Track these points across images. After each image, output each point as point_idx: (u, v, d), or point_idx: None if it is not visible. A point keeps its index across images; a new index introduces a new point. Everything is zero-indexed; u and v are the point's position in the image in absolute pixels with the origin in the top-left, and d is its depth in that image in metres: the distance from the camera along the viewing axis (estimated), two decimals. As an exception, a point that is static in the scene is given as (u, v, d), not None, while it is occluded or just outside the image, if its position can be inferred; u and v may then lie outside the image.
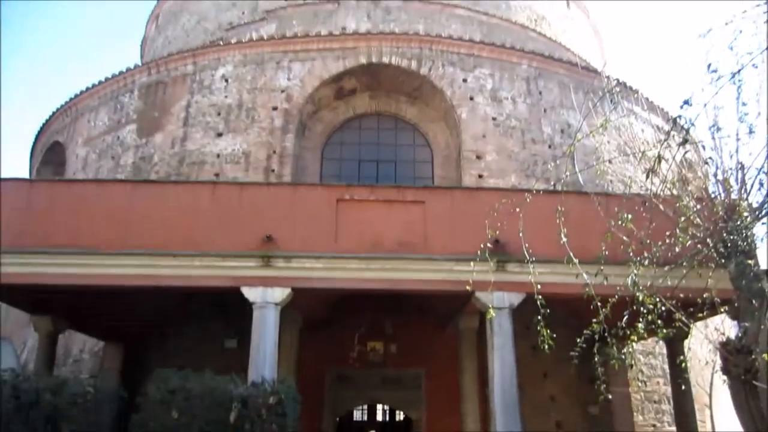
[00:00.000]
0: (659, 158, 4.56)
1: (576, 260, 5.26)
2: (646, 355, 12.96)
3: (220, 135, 13.92)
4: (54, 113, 17.95)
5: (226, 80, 14.37)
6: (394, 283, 8.65)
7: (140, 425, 5.84)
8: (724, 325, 6.31)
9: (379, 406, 18.86)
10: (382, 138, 14.93)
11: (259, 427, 5.82)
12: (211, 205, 8.77)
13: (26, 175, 19.86)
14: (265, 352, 8.08)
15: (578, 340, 5.18)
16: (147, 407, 5.90)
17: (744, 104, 5.11)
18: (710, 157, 4.91)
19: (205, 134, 14.00)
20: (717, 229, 5.02)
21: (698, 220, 5.14)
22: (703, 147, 5.78)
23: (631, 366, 4.78)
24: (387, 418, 18.25)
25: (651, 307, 4.89)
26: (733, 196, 5.41)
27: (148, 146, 14.36)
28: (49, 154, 19.11)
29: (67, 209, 8.72)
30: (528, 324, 12.27)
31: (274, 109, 13.95)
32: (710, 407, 14.29)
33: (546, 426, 11.04)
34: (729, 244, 4.89)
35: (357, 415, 20.62)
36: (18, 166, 47.55)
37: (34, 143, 19.92)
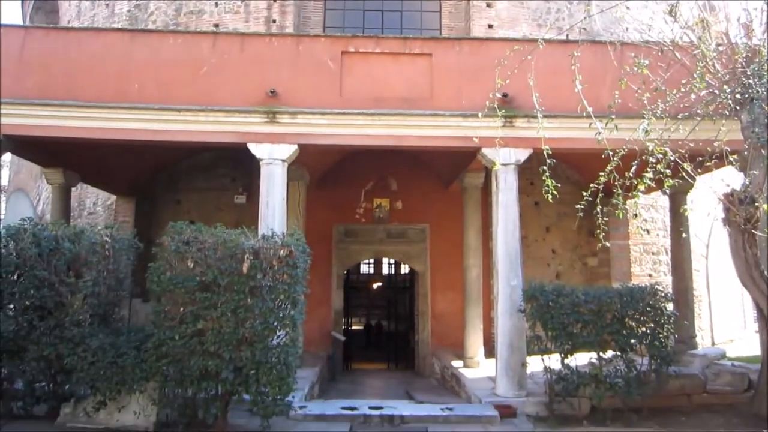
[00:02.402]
0: None
1: (589, 108, 5.18)
2: (648, 208, 13.24)
3: (217, -20, 13.18)
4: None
5: None
6: (400, 139, 8.62)
7: (157, 273, 6.13)
8: (730, 178, 6.36)
9: (385, 260, 19.68)
10: (387, -16, 14.10)
11: (271, 278, 6.08)
12: (212, 57, 8.50)
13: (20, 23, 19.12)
14: (274, 207, 8.28)
15: (584, 193, 5.24)
16: (163, 257, 6.16)
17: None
18: None
19: (202, -20, 13.25)
20: (736, 75, 4.87)
21: (717, 65, 4.97)
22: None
23: (636, 216, 4.88)
24: (392, 271, 19.11)
25: (660, 156, 4.88)
26: (755, 40, 5.19)
27: (142, -7, 13.67)
28: (40, 2, 18.29)
29: (63, 59, 8.48)
30: (532, 180, 12.68)
31: (273, -49, 13.04)
32: (706, 257, 14.89)
33: (546, 277, 11.61)
34: (748, 90, 4.77)
35: (364, 268, 21.63)
36: (9, 12, 45.67)
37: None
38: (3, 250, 6.30)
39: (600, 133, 5.15)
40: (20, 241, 6.28)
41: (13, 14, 49.79)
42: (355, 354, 17.62)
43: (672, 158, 4.93)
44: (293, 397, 6.55)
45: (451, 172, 11.89)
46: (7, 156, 17.75)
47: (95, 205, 13.59)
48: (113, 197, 13.19)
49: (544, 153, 5.34)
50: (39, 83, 8.33)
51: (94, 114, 8.26)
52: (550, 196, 5.16)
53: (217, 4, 13.08)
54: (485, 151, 8.30)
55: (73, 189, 11.76)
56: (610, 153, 5.12)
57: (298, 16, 13.31)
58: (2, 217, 20.57)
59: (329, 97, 8.47)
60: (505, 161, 8.26)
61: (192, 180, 13.43)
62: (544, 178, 5.21)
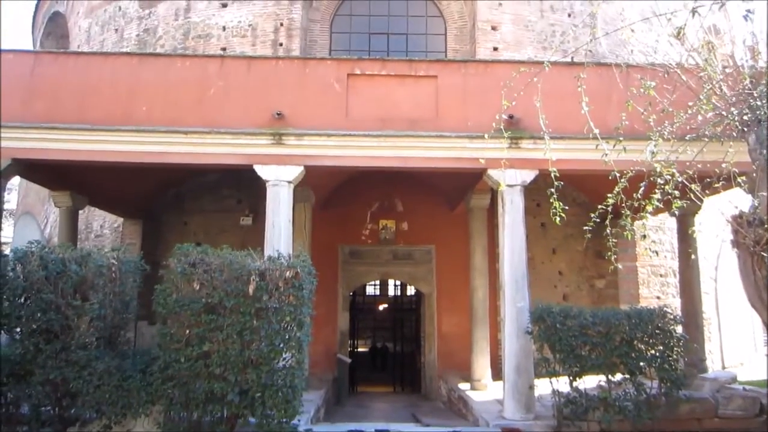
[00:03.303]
0: (692, 14, 4.31)
1: (596, 130, 5.19)
2: (656, 230, 13.20)
3: (224, 5, 13.39)
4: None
5: (228, -54, 13.54)
6: (406, 160, 8.66)
7: (163, 295, 6.14)
8: (738, 200, 6.34)
9: (391, 281, 19.64)
10: (392, 9, 14.28)
11: (277, 299, 6.08)
12: (219, 80, 8.60)
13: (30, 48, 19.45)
14: (280, 228, 8.30)
15: (591, 214, 5.23)
16: (169, 279, 6.17)
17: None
18: (747, 11, 4.58)
19: (210, 4, 13.46)
20: (742, 97, 4.88)
21: (723, 88, 4.99)
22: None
23: (644, 236, 4.86)
24: (398, 293, 19.06)
25: (668, 177, 4.88)
26: (761, 63, 5.21)
27: (151, 18, 13.89)
28: (51, 25, 18.60)
29: (72, 83, 8.60)
30: (539, 201, 12.67)
31: (280, -23, 13.26)
32: (715, 279, 14.78)
33: (553, 298, 11.51)
34: (755, 112, 4.77)
35: (370, 289, 21.57)
36: (20, 39, 46.64)
37: (35, 13, 19.35)
38: (10, 274, 6.32)
39: (607, 154, 5.15)
40: (27, 264, 6.30)
41: (24, 40, 50.63)
42: (361, 376, 17.50)
43: (680, 180, 4.93)
44: (299, 420, 6.49)
45: (457, 193, 11.90)
46: (16, 179, 17.89)
47: (102, 227, 13.66)
48: (120, 220, 13.25)
49: (552, 175, 5.34)
50: (48, 107, 8.44)
51: (102, 137, 8.34)
52: (557, 219, 5.14)
53: (224, 28, 13.27)
54: (491, 172, 8.32)
55: (81, 212, 11.83)
56: (617, 174, 5.12)
57: (304, 39, 13.48)
58: (10, 240, 20.67)
59: (335, 118, 8.53)
60: (511, 182, 8.27)
61: (198, 201, 13.49)
62: (552, 200, 5.20)
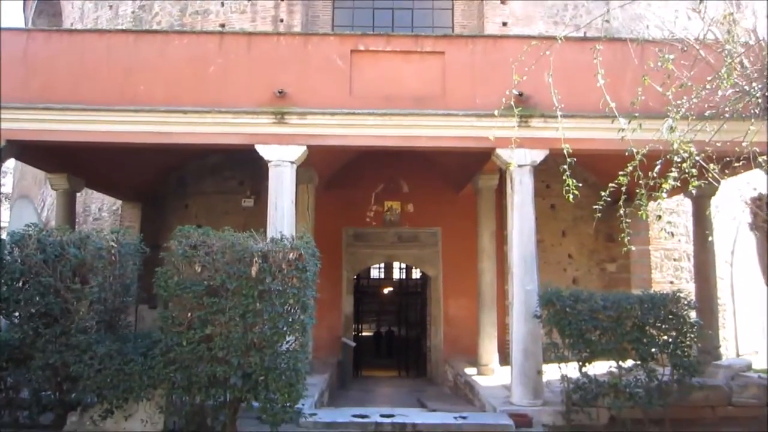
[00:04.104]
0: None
1: (612, 103, 5.13)
2: (670, 213, 13.12)
3: (222, -20, 13.27)
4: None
5: None
6: (411, 140, 8.61)
7: (164, 278, 6.15)
8: (757, 182, 6.28)
9: (396, 264, 19.65)
10: (397, -18, 14.12)
11: (280, 281, 6.09)
12: (218, 57, 8.53)
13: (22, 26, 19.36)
14: (283, 209, 8.30)
15: (602, 193, 5.19)
16: (170, 261, 6.18)
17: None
18: None
19: (207, -22, 13.34)
20: (764, 74, 4.80)
21: (745, 63, 4.91)
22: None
23: (659, 217, 4.79)
24: (404, 276, 19.07)
25: (686, 155, 4.82)
26: (783, 38, 5.14)
27: (146, -6, 13.77)
28: (43, 4, 18.48)
29: (66, 62, 8.55)
30: (548, 182, 12.61)
31: (280, -51, 13.09)
32: (731, 264, 14.72)
33: (563, 282, 11.48)
34: (776, 90, 4.71)
35: (374, 272, 21.60)
36: (11, 18, 46.23)
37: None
38: (8, 257, 6.34)
39: (623, 129, 5.10)
40: (25, 248, 6.31)
41: (15, 18, 50.34)
42: (366, 360, 17.61)
43: (697, 158, 4.87)
44: (303, 404, 6.55)
45: (465, 173, 11.86)
46: (11, 162, 17.92)
47: (100, 210, 13.69)
48: (119, 202, 13.27)
49: (564, 152, 5.29)
50: (42, 87, 8.40)
51: (98, 117, 8.32)
52: (570, 196, 5.10)
53: (223, 4, 13.14)
54: (500, 151, 8.28)
55: (78, 194, 11.84)
56: (634, 150, 5.05)
57: (306, 14, 13.35)
58: (7, 224, 20.75)
59: (338, 96, 8.47)
60: (520, 162, 8.22)
61: (199, 183, 13.50)
62: (564, 177, 5.16)
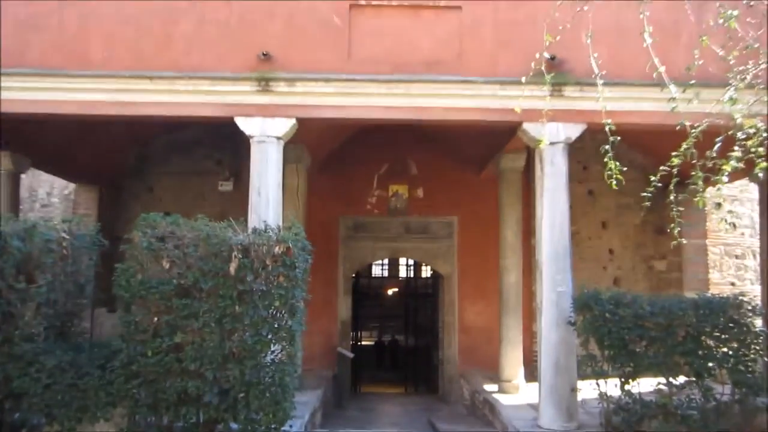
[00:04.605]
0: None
1: (661, 67, 5.08)
2: (732, 201, 13.07)
3: None
4: None
5: None
6: (422, 111, 8.57)
7: (125, 276, 6.15)
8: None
9: (403, 260, 19.68)
10: None
11: (264, 280, 6.08)
12: (191, 13, 8.47)
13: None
14: (268, 194, 8.28)
15: (652, 177, 5.15)
16: (133, 256, 6.18)
17: None
18: None
19: None
20: None
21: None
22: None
23: (719, 205, 4.73)
24: (411, 274, 19.11)
25: (751, 131, 4.76)
26: None
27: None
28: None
29: (6, 17, 8.49)
30: (586, 163, 12.58)
31: None
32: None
33: (602, 283, 11.48)
34: None
35: (377, 270, 21.65)
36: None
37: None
38: (-62, 250, 6.34)
39: (675, 100, 5.04)
40: (-42, 239, 6.31)
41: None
42: (366, 374, 17.68)
43: (765, 135, 4.82)
44: (291, 425, 6.55)
45: (485, 152, 11.82)
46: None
47: (50, 195, 13.73)
48: (72, 186, 13.30)
49: (605, 127, 5.24)
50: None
51: (46, 83, 8.26)
52: (613, 181, 5.06)
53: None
54: (527, 126, 8.24)
55: (23, 176, 11.84)
56: (688, 125, 5.00)
57: (296, -39, 13.27)
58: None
59: (335, 60, 8.43)
60: (552, 139, 8.18)
61: (168, 164, 13.52)
62: (606, 159, 5.12)
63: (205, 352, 5.94)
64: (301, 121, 8.46)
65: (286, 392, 6.18)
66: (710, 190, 5.58)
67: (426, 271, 17.25)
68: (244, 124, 8.37)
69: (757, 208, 11.65)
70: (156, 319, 6.07)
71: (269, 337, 6.12)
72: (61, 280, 6.71)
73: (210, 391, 5.94)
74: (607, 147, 5.15)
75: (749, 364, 7.11)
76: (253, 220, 7.73)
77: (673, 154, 5.07)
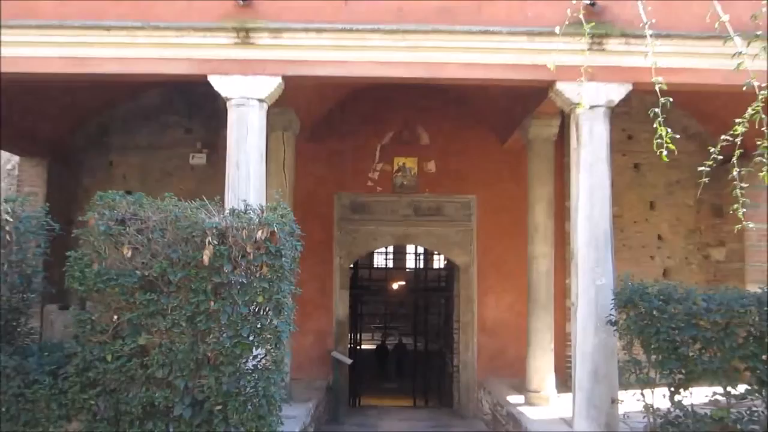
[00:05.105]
0: None
1: (725, 16, 5.05)
2: (805, 177, 13.06)
3: None
4: None
5: None
6: (434, 68, 8.55)
7: (80, 266, 6.17)
8: None
9: (411, 248, 19.73)
10: None
11: (244, 271, 6.09)
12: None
13: None
14: (248, 169, 8.27)
15: (711, 149, 5.13)
16: (88, 242, 6.19)
17: None
18: None
19: None
20: None
21: None
22: None
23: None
24: (421, 265, 19.14)
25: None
26: None
27: None
28: None
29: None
30: (631, 132, 12.54)
31: None
32: None
33: (650, 274, 11.48)
34: None
35: (380, 260, 21.71)
36: None
37: None
38: None
39: (740, 53, 5.02)
40: None
41: None
42: (367, 384, 17.76)
43: None
44: (277, 445, 6.61)
45: (511, 118, 11.80)
46: None
47: (-12, 169, 13.73)
48: (15, 159, 13.28)
49: (655, 88, 5.22)
50: None
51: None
52: (664, 152, 5.04)
53: None
54: (561, 86, 8.22)
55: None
56: (756, 85, 4.98)
57: None
58: None
59: (329, 6, 8.41)
60: (591, 102, 8.15)
61: (130, 133, 13.50)
62: (655, 124, 5.10)
63: (174, 356, 5.97)
64: (288, 80, 8.44)
65: (272, 404, 6.21)
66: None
67: (439, 261, 17.27)
68: (220, 83, 8.35)
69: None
70: (116, 317, 6.10)
71: (251, 338, 6.13)
72: (4, 271, 6.73)
73: (181, 402, 5.98)
74: (656, 110, 5.13)
75: (824, 371, 7.13)
76: (231, 200, 7.75)
77: (737, 120, 5.05)
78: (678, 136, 5.34)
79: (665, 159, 5.15)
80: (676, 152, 5.17)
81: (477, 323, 13.54)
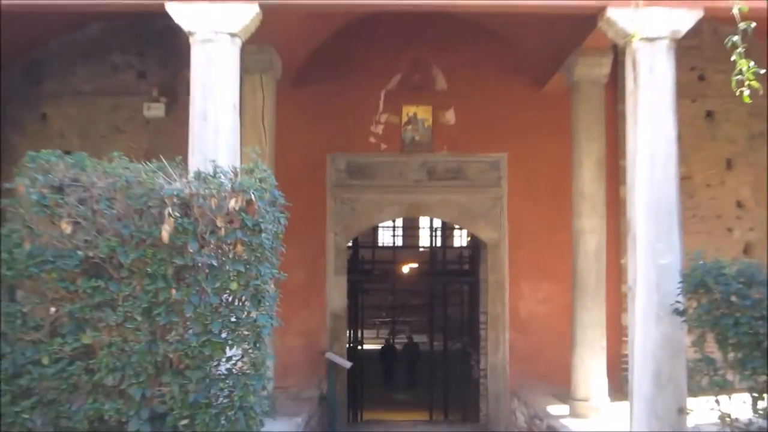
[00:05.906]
0: None
1: None
2: None
3: None
4: None
5: None
6: (452, -8, 8.59)
7: (7, 245, 6.17)
8: None
9: (424, 221, 19.74)
10: None
11: (215, 251, 6.10)
12: None
13: None
14: (217, 122, 8.26)
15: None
16: (17, 215, 6.19)
17: None
18: None
19: None
20: None
21: None
22: None
23: None
24: (438, 242, 19.14)
25: None
26: None
27: None
28: None
29: None
30: (701, 71, 12.48)
31: None
32: None
33: (727, 251, 11.43)
34: None
35: (385, 237, 21.71)
36: None
37: None
38: None
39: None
40: None
41: None
42: (371, 393, 17.85)
43: None
44: (258, 469, 6.66)
45: (550, 54, 11.78)
46: None
47: None
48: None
49: (733, 12, 5.21)
50: None
51: None
52: (746, 93, 5.05)
53: None
54: (613, 13, 8.20)
55: None
56: None
57: None
58: None
59: None
60: (651, 33, 8.13)
61: (68, 79, 13.48)
62: (734, 57, 5.09)
63: (127, 358, 5.98)
64: (267, 9, 8.41)
65: (250, 418, 6.25)
66: None
67: (460, 238, 17.30)
68: (181, 12, 8.32)
69: None
70: (54, 309, 6.10)
71: (223, 336, 6.14)
72: None
73: (137, 416, 5.99)
74: (735, 38, 5.12)
75: None
76: (197, 160, 7.75)
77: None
78: (763, 72, 5.33)
79: (747, 100, 5.15)
80: (761, 92, 5.16)
81: (509, 317, 13.57)
